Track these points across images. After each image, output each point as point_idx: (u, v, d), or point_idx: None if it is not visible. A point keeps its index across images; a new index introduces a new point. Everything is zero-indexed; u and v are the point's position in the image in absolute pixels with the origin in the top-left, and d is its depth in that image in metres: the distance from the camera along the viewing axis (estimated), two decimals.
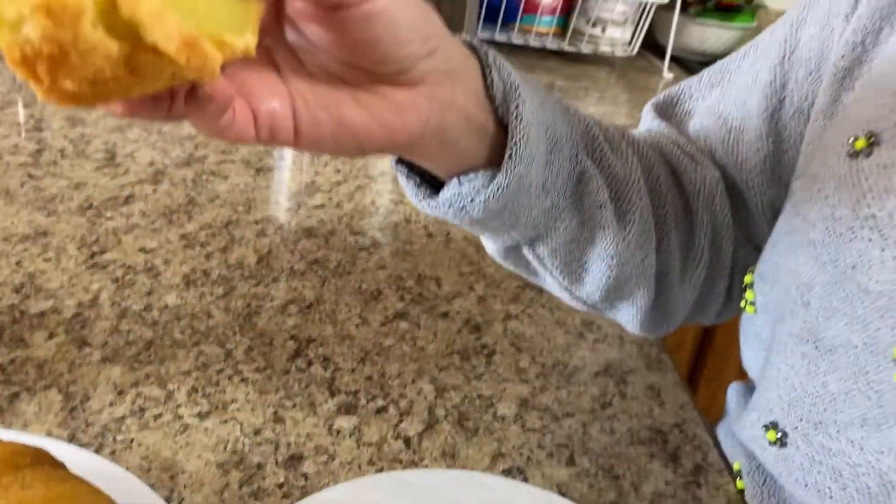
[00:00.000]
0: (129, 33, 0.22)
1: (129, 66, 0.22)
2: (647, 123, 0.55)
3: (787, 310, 0.39)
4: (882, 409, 0.32)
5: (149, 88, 0.24)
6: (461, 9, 1.08)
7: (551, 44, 1.39)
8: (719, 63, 0.55)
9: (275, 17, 0.30)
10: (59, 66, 0.21)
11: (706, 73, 0.54)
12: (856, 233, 0.34)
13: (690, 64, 1.47)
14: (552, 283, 0.47)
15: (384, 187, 0.77)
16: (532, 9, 1.36)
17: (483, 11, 1.34)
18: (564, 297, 0.48)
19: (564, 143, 0.39)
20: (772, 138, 0.47)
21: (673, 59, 1.45)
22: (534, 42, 1.38)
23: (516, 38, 1.38)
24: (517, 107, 0.35)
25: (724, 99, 0.51)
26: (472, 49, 0.36)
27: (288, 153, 0.84)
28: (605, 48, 1.39)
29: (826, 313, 0.35)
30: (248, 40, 0.25)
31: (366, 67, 0.30)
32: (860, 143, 0.36)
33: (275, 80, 0.29)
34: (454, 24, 1.09)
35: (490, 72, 0.35)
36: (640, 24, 1.37)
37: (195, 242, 0.63)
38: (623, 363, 0.56)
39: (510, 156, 0.35)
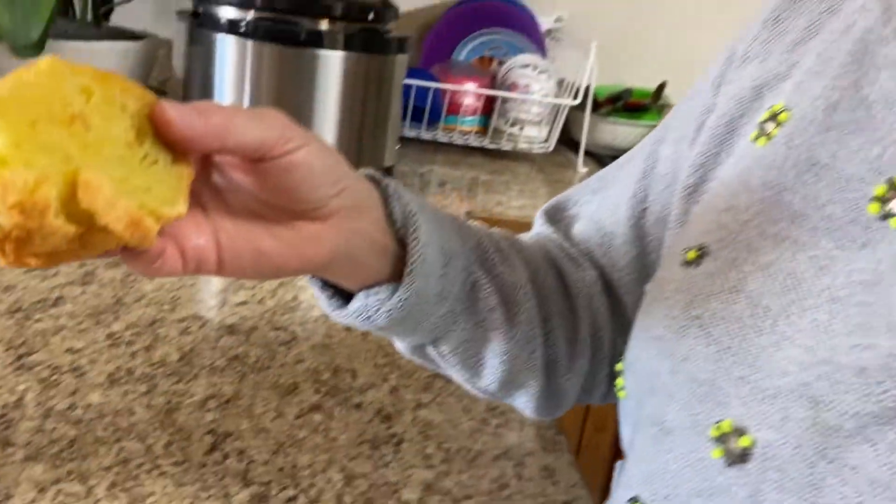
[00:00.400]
0: (84, 217, 0.27)
1: (81, 241, 0.28)
2: (538, 228, 0.62)
3: (642, 395, 0.44)
4: (708, 482, 0.37)
5: (95, 253, 0.29)
6: (385, 110, 1.16)
7: (474, 141, 1.48)
8: (601, 171, 0.62)
9: (203, 165, 0.35)
10: (25, 245, 0.27)
11: (589, 182, 0.62)
12: (687, 330, 0.40)
13: (604, 158, 1.57)
14: (455, 377, 0.52)
15: (306, 282, 0.82)
16: (455, 110, 1.46)
17: (409, 112, 1.42)
18: (468, 387, 0.53)
19: (458, 258, 0.45)
20: (637, 243, 0.54)
21: (588, 153, 1.56)
22: (458, 140, 1.47)
23: (441, 137, 1.47)
24: (414, 230, 0.41)
25: (601, 206, 0.58)
26: (376, 181, 0.42)
27: None
28: (523, 145, 1.49)
29: (667, 399, 0.41)
30: (180, 209, 0.31)
31: (282, 206, 0.35)
32: (692, 254, 0.43)
33: (201, 219, 0.34)
34: (379, 123, 1.16)
35: (390, 202, 0.41)
36: (555, 123, 1.48)
37: (121, 342, 0.66)
38: (522, 446, 0.61)
39: (409, 272, 0.41)
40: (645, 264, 0.54)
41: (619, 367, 0.51)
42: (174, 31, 1.12)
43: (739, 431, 0.36)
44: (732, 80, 0.49)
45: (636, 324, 0.46)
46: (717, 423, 0.37)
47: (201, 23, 1.05)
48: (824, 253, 0.37)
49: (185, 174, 0.32)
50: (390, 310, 0.42)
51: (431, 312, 0.44)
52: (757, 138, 0.44)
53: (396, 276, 0.42)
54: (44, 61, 0.28)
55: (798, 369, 0.35)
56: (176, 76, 1.16)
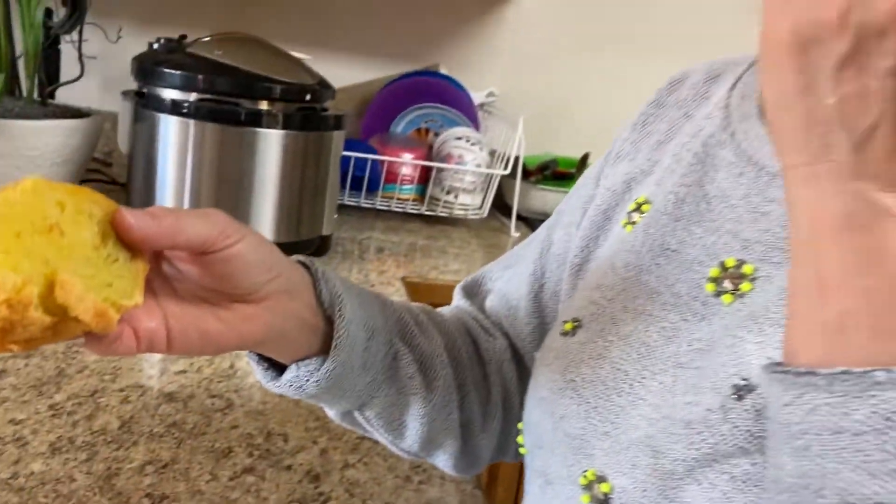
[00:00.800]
0: (59, 310, 0.33)
1: (55, 329, 0.33)
2: (456, 301, 0.69)
3: (534, 450, 0.50)
4: None
5: (66, 338, 0.35)
6: (323, 182, 1.22)
7: (412, 208, 1.55)
8: (513, 249, 0.69)
9: (154, 257, 0.41)
10: (7, 334, 0.32)
11: (502, 259, 0.69)
12: (564, 392, 0.47)
13: (535, 223, 1.66)
14: (381, 439, 0.57)
15: (242, 351, 0.86)
16: (393, 179, 1.53)
17: (349, 181, 1.49)
18: (393, 448, 0.59)
19: (380, 332, 0.51)
20: (537, 315, 0.61)
21: (521, 218, 1.64)
22: (396, 207, 1.54)
23: (380, 204, 1.54)
24: (340, 309, 0.47)
25: (510, 281, 0.65)
26: (306, 266, 0.48)
27: None
28: (458, 212, 1.57)
29: (549, 453, 0.47)
30: (137, 300, 0.37)
31: (223, 291, 0.41)
32: (568, 326, 0.50)
33: (152, 305, 0.39)
34: (317, 195, 1.22)
35: (319, 284, 0.47)
36: (488, 191, 1.56)
37: (63, 412, 0.70)
38: (442, 500, 0.66)
39: (335, 346, 0.47)
40: (544, 334, 0.60)
41: (519, 426, 0.57)
42: (119, 108, 1.17)
43: (601, 479, 0.42)
44: (609, 174, 0.56)
45: (529, 386, 0.53)
46: (584, 472, 0.43)
47: (146, 103, 1.11)
48: (671, 325, 0.44)
49: (141, 268, 0.38)
50: (318, 380, 0.47)
51: (356, 381, 0.50)
52: (625, 225, 0.52)
53: (325, 349, 0.48)
54: (27, 181, 0.35)
55: (646, 424, 0.41)
56: (120, 151, 1.21)
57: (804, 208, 0.31)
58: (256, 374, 0.50)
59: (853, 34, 0.27)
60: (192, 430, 0.70)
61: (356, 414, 0.54)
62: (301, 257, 0.49)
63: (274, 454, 0.69)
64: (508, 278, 0.65)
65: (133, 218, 0.37)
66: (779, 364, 0.31)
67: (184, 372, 0.80)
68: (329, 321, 0.48)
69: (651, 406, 0.42)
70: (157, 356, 0.83)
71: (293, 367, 0.48)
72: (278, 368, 0.49)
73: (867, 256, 0.29)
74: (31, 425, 0.67)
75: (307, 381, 0.47)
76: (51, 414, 0.69)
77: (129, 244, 0.37)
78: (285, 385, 0.48)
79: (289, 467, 0.67)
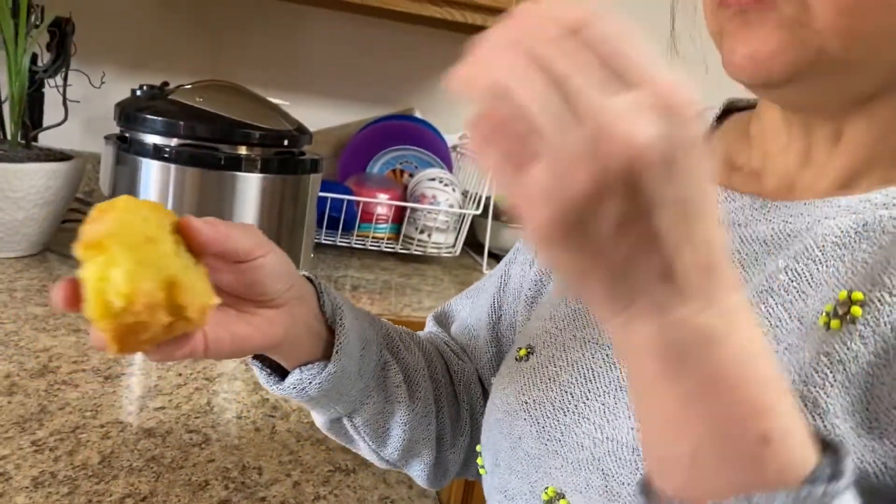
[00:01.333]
0: (175, 310, 0.37)
1: (167, 328, 0.38)
2: (429, 328, 0.74)
3: (492, 468, 0.54)
4: None
5: (173, 336, 0.40)
6: (300, 223, 1.26)
7: (386, 247, 1.60)
8: (478, 282, 0.74)
9: None
10: (138, 334, 0.37)
11: (468, 290, 0.73)
12: (518, 413, 0.51)
13: None
14: (364, 448, 0.62)
15: (220, 388, 0.90)
16: (368, 218, 1.58)
17: (326, 221, 1.53)
18: (373, 458, 0.63)
19: (372, 343, 0.57)
20: (495, 343, 0.66)
21: (493, 255, 1.69)
22: (371, 246, 1.59)
23: (356, 243, 1.58)
24: (341, 319, 0.53)
25: (471, 312, 0.70)
26: (310, 280, 0.53)
27: (137, 360, 0.95)
28: (432, 251, 1.61)
29: (508, 471, 0.51)
30: (216, 299, 0.41)
31: (250, 298, 0.46)
32: (522, 352, 0.54)
33: None
34: (294, 235, 1.26)
35: (322, 296, 0.53)
36: (460, 230, 1.61)
37: (45, 447, 0.73)
38: None
39: (337, 351, 0.52)
40: (500, 362, 0.65)
41: (478, 447, 0.61)
42: (102, 150, 1.21)
43: (560, 495, 0.46)
44: None
45: (486, 409, 0.57)
46: (546, 489, 0.47)
47: (128, 148, 1.15)
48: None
49: (205, 272, 0.43)
50: (320, 382, 0.52)
51: (352, 386, 0.55)
52: None
53: (325, 356, 0.53)
54: (120, 200, 0.39)
55: (591, 444, 0.45)
56: (101, 191, 1.24)
57: (630, 357, 0.31)
58: (260, 378, 0.55)
59: (573, 218, 0.27)
60: (171, 464, 0.73)
61: (345, 421, 0.59)
62: (305, 272, 0.54)
63: (249, 487, 0.72)
64: (471, 309, 0.70)
65: (199, 223, 0.42)
66: (649, 485, 0.32)
67: (162, 408, 0.83)
68: (329, 329, 0.53)
69: (595, 425, 0.46)
70: (136, 393, 0.86)
71: (296, 371, 0.53)
72: (279, 374, 0.54)
73: (697, 387, 0.29)
74: (14, 460, 0.70)
75: (310, 383, 0.52)
76: (33, 450, 0.72)
77: (193, 249, 0.42)
78: (289, 387, 0.53)
79: (263, 499, 0.70)
